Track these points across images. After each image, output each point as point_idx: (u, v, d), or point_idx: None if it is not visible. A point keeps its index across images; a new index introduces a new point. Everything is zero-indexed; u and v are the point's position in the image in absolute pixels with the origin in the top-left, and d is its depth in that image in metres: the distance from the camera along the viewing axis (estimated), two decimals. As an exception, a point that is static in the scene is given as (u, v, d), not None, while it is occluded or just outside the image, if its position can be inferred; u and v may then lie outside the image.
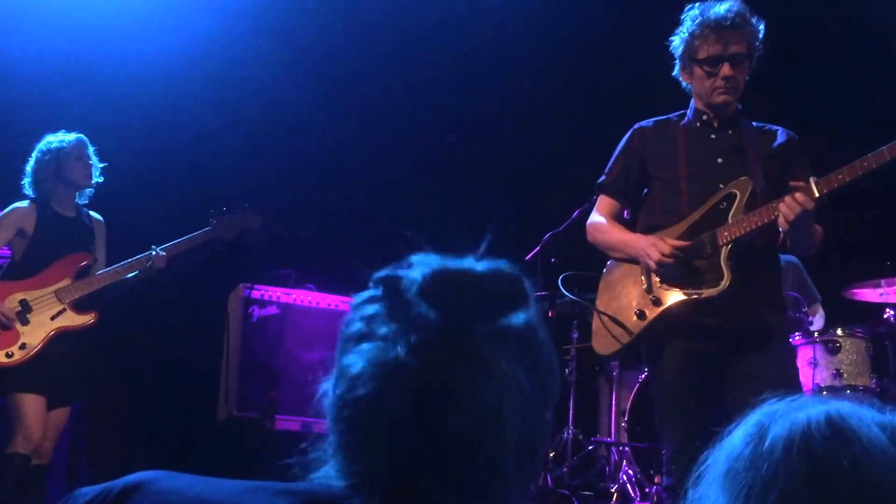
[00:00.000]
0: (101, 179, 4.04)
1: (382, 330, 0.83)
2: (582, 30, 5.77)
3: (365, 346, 0.83)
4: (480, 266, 0.87)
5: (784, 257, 4.75)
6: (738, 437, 0.89)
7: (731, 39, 2.77)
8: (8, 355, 3.66)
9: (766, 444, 0.85)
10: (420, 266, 0.86)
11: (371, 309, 0.85)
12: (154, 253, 3.90)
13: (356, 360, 0.83)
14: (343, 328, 0.87)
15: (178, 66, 5.62)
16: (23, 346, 3.68)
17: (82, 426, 4.42)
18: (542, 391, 0.87)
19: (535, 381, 0.85)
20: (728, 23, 2.76)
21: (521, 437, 0.83)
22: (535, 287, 0.89)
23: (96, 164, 4.02)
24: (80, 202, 4.04)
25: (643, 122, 3.02)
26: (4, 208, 3.95)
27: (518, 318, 0.85)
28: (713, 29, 2.77)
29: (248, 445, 4.68)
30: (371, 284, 0.87)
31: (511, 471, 0.82)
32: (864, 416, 0.86)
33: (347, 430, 0.83)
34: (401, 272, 0.86)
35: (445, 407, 0.79)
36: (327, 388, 0.87)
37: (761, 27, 2.84)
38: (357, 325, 0.86)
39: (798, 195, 2.55)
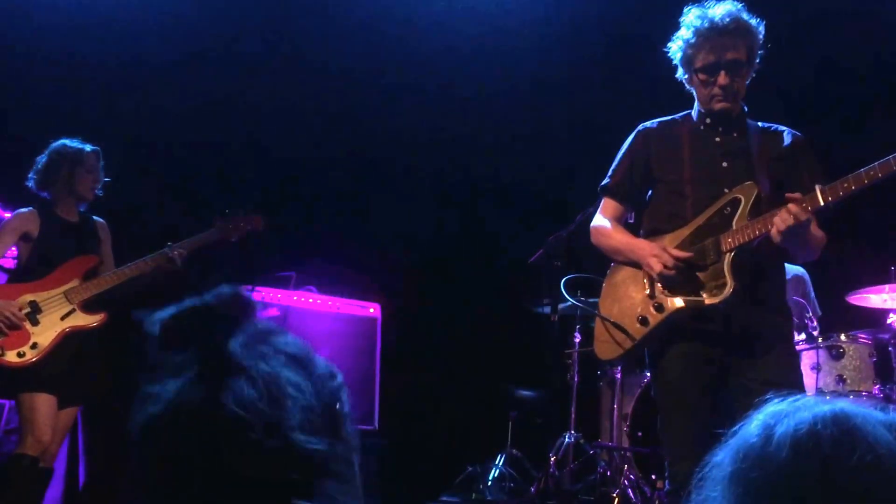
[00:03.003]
0: (100, 193, 4.07)
1: (155, 392, 0.92)
2: (584, 30, 5.76)
3: (150, 409, 0.92)
4: (203, 298, 0.98)
5: (792, 269, 4.76)
6: (743, 438, 0.89)
7: (726, 46, 2.72)
8: (20, 355, 3.65)
9: (774, 444, 0.85)
10: (154, 325, 0.96)
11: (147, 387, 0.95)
12: (168, 251, 3.90)
13: (146, 424, 0.91)
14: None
15: (180, 66, 5.63)
16: (34, 346, 3.68)
17: (81, 429, 4.41)
18: (315, 381, 0.97)
19: (306, 374, 0.96)
20: (722, 30, 2.71)
21: (315, 421, 0.93)
22: (250, 295, 1.00)
23: (102, 178, 4.05)
24: (80, 209, 4.07)
25: (647, 123, 3.00)
26: (7, 203, 3.97)
27: (256, 324, 0.97)
28: (707, 37, 2.73)
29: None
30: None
31: (317, 452, 0.91)
32: (869, 415, 0.86)
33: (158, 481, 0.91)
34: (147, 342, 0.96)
35: (222, 419, 0.88)
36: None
37: (761, 28, 2.80)
38: (140, 402, 0.94)
39: (791, 207, 2.52)
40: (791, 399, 0.91)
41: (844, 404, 0.88)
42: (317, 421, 0.93)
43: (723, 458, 0.90)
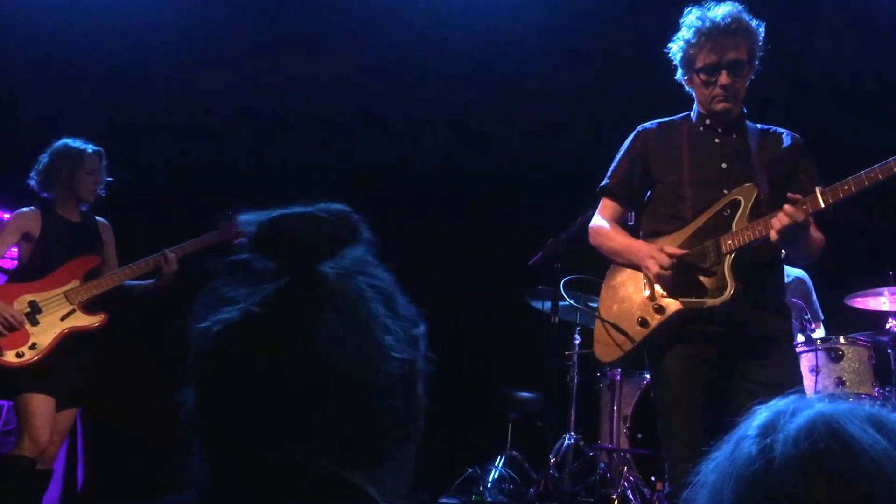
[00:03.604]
0: (102, 193, 4.04)
1: (231, 295, 0.82)
2: (585, 32, 5.77)
3: (219, 314, 0.82)
4: (307, 209, 0.88)
5: (793, 272, 4.77)
6: (741, 461, 0.87)
7: (727, 46, 2.73)
8: (18, 355, 3.62)
9: (777, 466, 0.83)
10: (251, 224, 0.87)
11: (222, 286, 0.85)
12: (164, 254, 3.89)
13: (211, 327, 0.81)
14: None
15: (183, 67, 5.63)
16: (33, 346, 3.65)
17: (79, 431, 4.40)
18: (406, 331, 0.87)
19: (394, 316, 0.86)
20: (723, 30, 2.72)
21: (395, 376, 0.83)
22: (363, 222, 0.90)
23: (104, 179, 4.02)
24: (82, 209, 4.04)
25: (646, 124, 3.00)
26: (9, 201, 3.95)
27: (357, 251, 0.86)
28: (708, 37, 2.73)
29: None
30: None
31: (387, 414, 0.82)
32: (854, 416, 0.85)
33: (205, 402, 0.82)
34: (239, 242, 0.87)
35: (301, 350, 0.79)
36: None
37: (761, 30, 2.80)
38: (211, 299, 0.85)
39: (787, 209, 2.52)
40: (774, 408, 0.90)
41: (826, 406, 0.87)
42: (395, 375, 0.84)
43: (721, 477, 0.88)
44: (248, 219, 0.88)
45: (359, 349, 0.81)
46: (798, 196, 2.55)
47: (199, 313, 0.83)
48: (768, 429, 0.87)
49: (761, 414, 0.90)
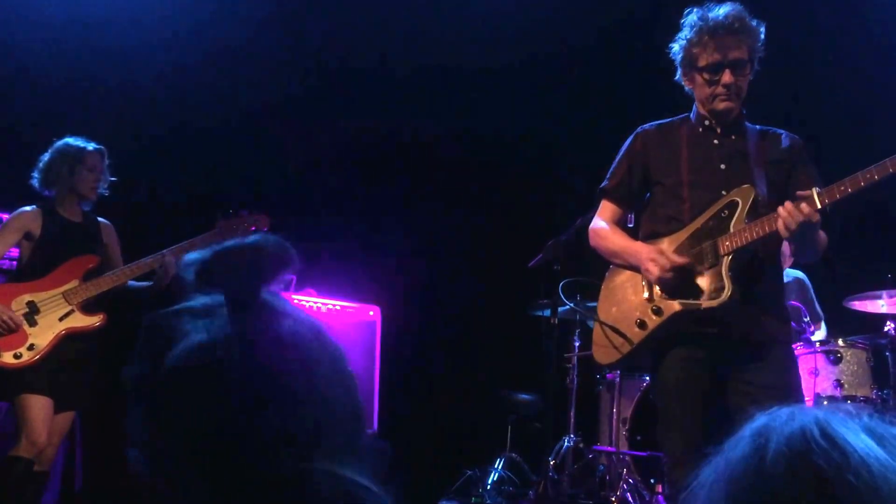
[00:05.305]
0: (106, 193, 4.03)
1: (186, 328, 0.92)
2: (584, 33, 5.78)
3: (178, 348, 0.90)
4: (244, 241, 0.95)
5: (791, 273, 4.77)
6: (736, 457, 0.88)
7: (730, 45, 2.74)
8: (16, 356, 3.61)
9: (769, 461, 0.85)
10: (192, 265, 0.95)
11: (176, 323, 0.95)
12: (165, 255, 3.89)
13: (177, 355, 0.90)
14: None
15: (183, 66, 5.64)
16: (31, 347, 3.64)
17: (78, 431, 4.40)
18: (324, 348, 0.97)
19: (314, 335, 0.96)
20: (726, 28, 2.73)
21: (312, 392, 0.91)
22: (292, 252, 0.98)
23: (106, 178, 4.01)
24: (84, 208, 4.04)
25: (646, 126, 3.00)
26: (11, 202, 3.95)
27: (291, 278, 0.96)
28: (711, 36, 2.74)
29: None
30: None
31: (329, 410, 0.90)
32: (851, 425, 0.86)
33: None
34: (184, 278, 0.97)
35: (244, 362, 0.88)
36: None
37: (762, 29, 2.81)
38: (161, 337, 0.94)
39: (803, 206, 2.51)
40: (774, 413, 0.91)
41: (822, 412, 0.88)
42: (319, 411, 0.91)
43: (716, 477, 0.90)
44: (191, 259, 0.95)
45: (274, 366, 0.91)
46: (808, 193, 2.54)
47: (147, 351, 0.92)
48: (763, 430, 0.88)
49: (759, 420, 0.91)
